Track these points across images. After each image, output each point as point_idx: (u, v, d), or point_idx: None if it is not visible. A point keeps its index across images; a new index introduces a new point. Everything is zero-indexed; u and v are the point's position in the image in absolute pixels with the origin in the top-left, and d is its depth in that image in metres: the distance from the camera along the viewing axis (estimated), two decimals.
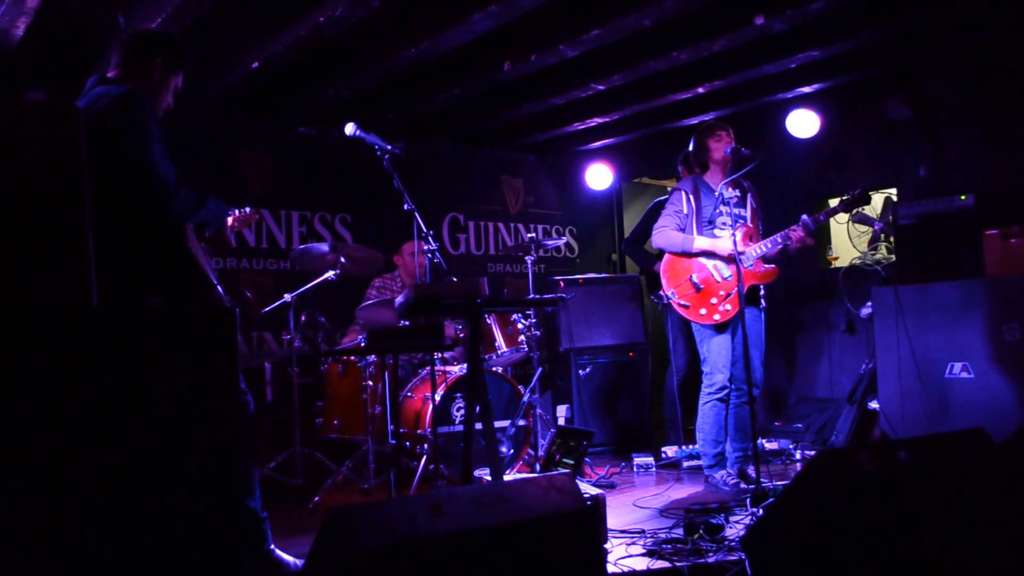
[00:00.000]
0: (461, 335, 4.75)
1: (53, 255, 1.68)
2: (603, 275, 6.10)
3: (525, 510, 1.91)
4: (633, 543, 3.14)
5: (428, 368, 4.35)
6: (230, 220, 2.90)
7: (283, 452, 4.53)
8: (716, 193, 4.19)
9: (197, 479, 1.67)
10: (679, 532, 3.22)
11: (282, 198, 5.74)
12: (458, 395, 4.42)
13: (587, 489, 3.25)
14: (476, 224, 6.73)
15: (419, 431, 4.35)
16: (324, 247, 4.44)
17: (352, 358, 4.61)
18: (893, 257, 5.03)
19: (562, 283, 5.67)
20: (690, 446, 4.85)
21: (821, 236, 5.87)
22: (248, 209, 3.05)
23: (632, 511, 3.79)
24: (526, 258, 4.86)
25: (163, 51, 2.78)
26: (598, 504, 3.08)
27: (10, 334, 1.52)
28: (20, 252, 1.65)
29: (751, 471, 3.97)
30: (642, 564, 2.87)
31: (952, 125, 5.13)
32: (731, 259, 4.04)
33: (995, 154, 4.93)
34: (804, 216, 4.10)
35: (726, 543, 2.99)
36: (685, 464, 4.81)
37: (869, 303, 4.74)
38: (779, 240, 4.11)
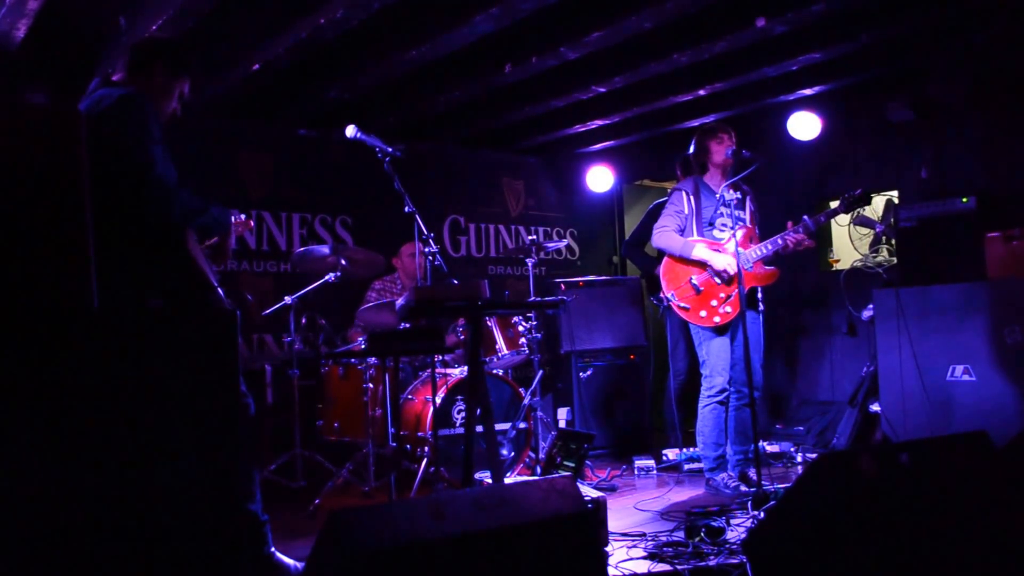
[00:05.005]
0: (461, 337, 4.75)
1: (54, 257, 1.68)
2: (604, 277, 6.09)
3: (526, 513, 1.90)
4: (634, 546, 3.14)
5: (429, 370, 4.35)
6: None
7: (284, 454, 4.52)
8: (717, 195, 4.19)
9: (197, 481, 1.67)
10: (680, 535, 3.21)
11: (283, 200, 5.74)
12: (459, 397, 4.42)
13: (588, 492, 3.24)
14: (477, 226, 6.73)
15: (420, 433, 4.34)
16: (325, 249, 4.44)
17: (352, 360, 4.61)
18: (894, 259, 5.03)
19: (563, 285, 5.66)
20: (691, 449, 4.84)
21: (822, 238, 5.87)
22: (243, 216, 3.03)
23: (633, 514, 3.79)
24: (527, 260, 4.86)
25: (163, 55, 2.78)
26: (599, 507, 3.08)
27: (11, 335, 1.52)
28: (21, 254, 1.65)
29: (752, 474, 3.97)
30: (643, 567, 2.87)
31: (953, 127, 5.13)
32: (724, 275, 4.05)
33: (996, 156, 4.93)
34: (805, 217, 4.10)
35: (727, 546, 2.99)
36: (686, 467, 4.80)
37: (870, 305, 4.74)
38: (779, 242, 4.11)
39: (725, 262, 4.05)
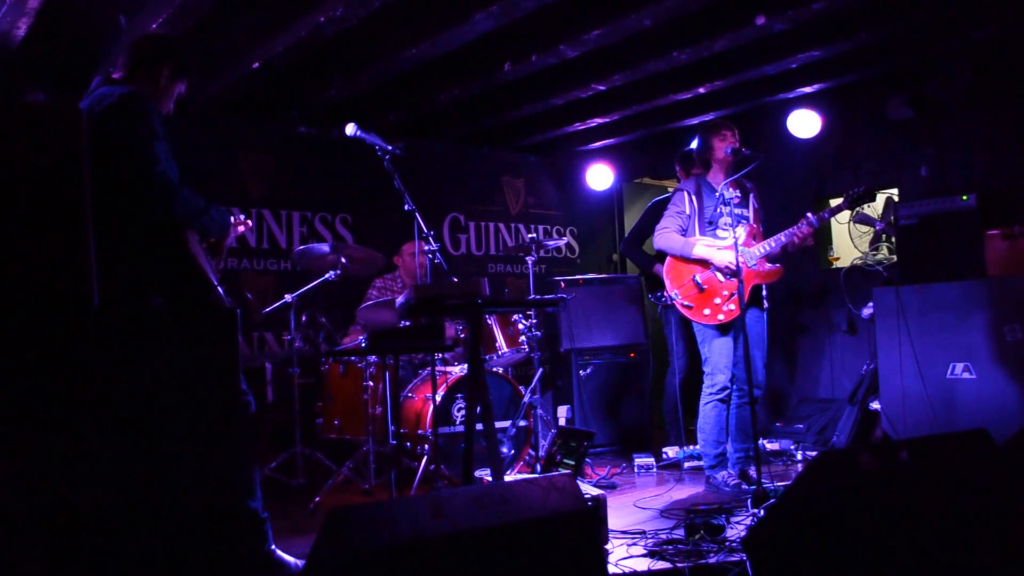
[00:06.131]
0: (462, 335, 4.75)
1: (54, 256, 1.68)
2: (604, 275, 6.10)
3: (526, 511, 1.91)
4: (634, 544, 3.14)
5: (429, 368, 4.35)
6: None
7: (284, 452, 4.53)
8: (717, 194, 4.19)
9: (198, 479, 1.67)
10: (680, 533, 3.22)
11: (283, 198, 5.74)
12: (459, 396, 4.42)
13: (588, 490, 3.24)
14: (477, 224, 6.73)
15: (420, 431, 4.34)
16: (325, 247, 4.44)
17: (353, 358, 4.61)
18: (894, 257, 5.02)
19: (563, 283, 5.67)
20: (691, 447, 4.84)
21: (822, 237, 5.87)
22: (243, 216, 3.02)
23: (633, 512, 3.79)
24: (527, 258, 4.86)
25: (171, 58, 2.78)
26: (599, 505, 3.08)
27: (11, 334, 1.52)
28: (21, 253, 1.65)
29: (752, 472, 3.97)
30: (643, 565, 2.87)
31: (953, 125, 5.13)
32: (728, 271, 4.04)
33: (996, 154, 4.93)
34: (809, 214, 4.09)
35: (727, 544, 2.99)
36: (686, 465, 4.80)
37: (870, 303, 4.74)
38: (783, 239, 4.10)
39: (727, 258, 4.04)
